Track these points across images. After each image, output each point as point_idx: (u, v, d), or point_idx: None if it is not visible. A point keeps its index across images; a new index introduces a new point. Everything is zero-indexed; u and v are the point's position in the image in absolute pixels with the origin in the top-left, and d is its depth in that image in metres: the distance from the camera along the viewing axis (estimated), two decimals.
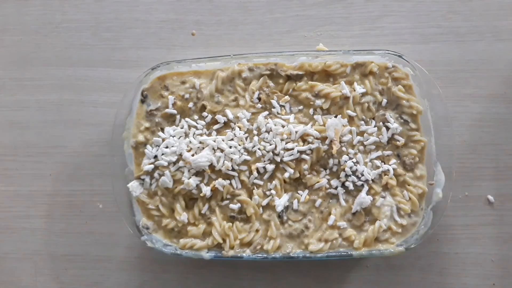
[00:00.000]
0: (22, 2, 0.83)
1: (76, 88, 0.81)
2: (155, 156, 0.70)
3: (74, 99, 0.81)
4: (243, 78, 0.71)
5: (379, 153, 0.69)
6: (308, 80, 0.70)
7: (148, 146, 0.71)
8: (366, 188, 0.68)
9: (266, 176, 0.69)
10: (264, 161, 0.69)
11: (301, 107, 0.71)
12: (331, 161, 0.68)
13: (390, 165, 0.68)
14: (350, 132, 0.68)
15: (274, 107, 0.70)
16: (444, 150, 0.68)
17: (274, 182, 0.69)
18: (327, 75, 0.71)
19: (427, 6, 0.79)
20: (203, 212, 0.69)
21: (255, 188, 0.69)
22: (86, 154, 0.80)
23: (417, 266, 0.75)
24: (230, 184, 0.69)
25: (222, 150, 0.69)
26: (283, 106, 0.70)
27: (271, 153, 0.68)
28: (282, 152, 0.68)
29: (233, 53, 0.72)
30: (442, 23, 0.78)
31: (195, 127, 0.71)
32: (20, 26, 0.83)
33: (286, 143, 0.68)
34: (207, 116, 0.70)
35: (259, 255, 0.68)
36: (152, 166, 0.70)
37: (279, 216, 0.69)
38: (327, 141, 0.68)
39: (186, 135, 0.71)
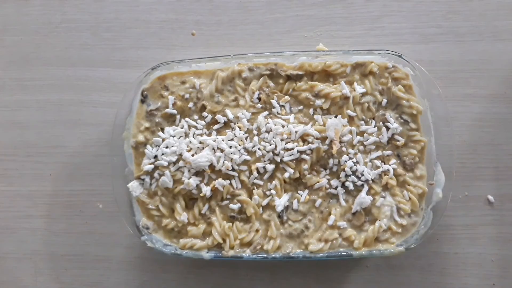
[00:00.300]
0: (22, 2, 0.83)
1: (76, 88, 0.81)
2: (155, 156, 0.70)
3: (74, 99, 0.81)
4: (243, 78, 0.71)
5: (379, 153, 0.69)
6: (308, 80, 0.70)
7: (148, 146, 0.71)
8: (366, 188, 0.68)
9: (266, 176, 0.69)
10: (264, 161, 0.69)
11: (301, 107, 0.71)
12: (331, 161, 0.68)
13: (390, 165, 0.68)
14: (350, 132, 0.68)
15: (274, 107, 0.70)
16: (444, 150, 0.68)
17: (274, 182, 0.69)
18: (327, 75, 0.71)
19: (427, 6, 0.79)
20: (203, 212, 0.69)
21: (255, 188, 0.69)
22: (86, 154, 0.80)
23: (417, 266, 0.75)
24: (230, 184, 0.69)
25: (222, 150, 0.69)
26: (283, 106, 0.70)
27: (271, 153, 0.68)
28: (282, 152, 0.68)
29: (233, 53, 0.72)
30: (442, 23, 0.78)
31: (195, 127, 0.70)
32: (20, 26, 0.83)
33: (286, 143, 0.68)
34: (207, 116, 0.70)
35: (259, 255, 0.68)
36: (152, 166, 0.70)
37: (279, 216, 0.69)
38: (327, 141, 0.68)
39: (186, 135, 0.71)
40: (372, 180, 0.68)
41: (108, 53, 0.81)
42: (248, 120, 0.70)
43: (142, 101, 0.72)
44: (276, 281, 0.76)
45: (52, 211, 0.80)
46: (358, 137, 0.68)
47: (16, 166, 0.81)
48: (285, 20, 0.80)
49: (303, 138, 0.68)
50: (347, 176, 0.68)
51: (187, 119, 0.71)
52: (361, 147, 0.69)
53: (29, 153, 0.81)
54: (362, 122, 0.69)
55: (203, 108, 0.71)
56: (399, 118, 0.69)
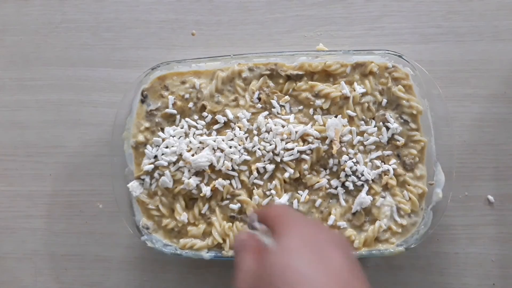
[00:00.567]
0: (22, 2, 0.83)
1: (76, 88, 0.81)
2: (155, 156, 0.70)
3: (74, 99, 0.81)
4: (243, 78, 0.71)
5: (379, 153, 0.69)
6: (308, 80, 0.70)
7: (148, 146, 0.71)
8: (366, 188, 0.68)
9: (266, 176, 0.69)
10: (264, 161, 0.69)
11: (301, 107, 0.71)
12: (331, 161, 0.68)
13: (390, 165, 0.68)
14: (350, 132, 0.68)
15: (274, 107, 0.70)
16: (444, 150, 0.68)
17: (274, 182, 0.69)
18: (327, 75, 0.71)
19: (427, 6, 0.79)
20: (203, 212, 0.69)
21: (255, 188, 0.69)
22: (86, 154, 0.80)
23: (417, 266, 0.75)
24: (230, 184, 0.69)
25: (222, 150, 0.69)
26: (283, 106, 0.70)
27: (271, 153, 0.68)
28: (282, 152, 0.68)
29: (233, 53, 0.72)
30: (442, 23, 0.78)
31: (195, 127, 0.71)
32: (20, 26, 0.83)
33: (286, 143, 0.68)
34: (207, 116, 0.70)
35: None
36: (152, 166, 0.70)
37: None
38: (327, 141, 0.68)
39: (186, 135, 0.71)
40: (372, 180, 0.68)
41: (108, 53, 0.81)
42: (248, 120, 0.70)
43: (142, 101, 0.72)
44: None
45: (52, 211, 0.80)
46: (358, 137, 0.68)
47: (16, 166, 0.81)
48: (285, 20, 0.80)
49: (303, 138, 0.68)
50: (347, 176, 0.68)
51: (187, 119, 0.71)
52: (361, 147, 0.69)
53: (29, 153, 0.81)
54: (362, 122, 0.69)
55: (203, 108, 0.71)
56: (399, 118, 0.69)
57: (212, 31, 0.81)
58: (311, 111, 0.70)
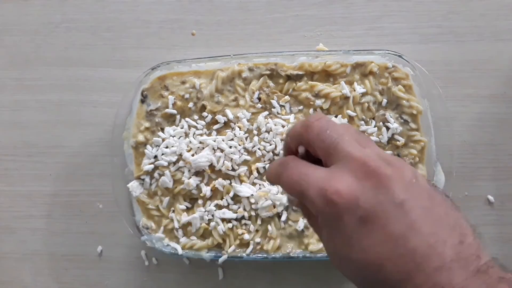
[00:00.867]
0: (22, 2, 0.83)
1: (76, 88, 0.81)
2: (155, 156, 0.70)
3: (74, 99, 0.81)
4: (243, 78, 0.71)
5: None
6: (308, 80, 0.70)
7: (148, 146, 0.71)
8: None
9: None
10: (264, 161, 0.69)
11: (301, 107, 0.71)
12: None
13: None
14: None
15: (274, 107, 0.70)
16: (444, 150, 0.68)
17: None
18: (327, 75, 0.71)
19: (427, 6, 0.79)
20: (203, 212, 0.69)
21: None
22: (86, 154, 0.80)
23: None
24: (230, 184, 0.69)
25: (222, 150, 0.69)
26: (283, 106, 0.70)
27: (271, 153, 0.68)
28: (282, 152, 0.68)
29: (233, 53, 0.72)
30: (442, 23, 0.78)
31: (195, 127, 0.70)
32: (20, 26, 0.83)
33: None
34: (207, 116, 0.70)
35: (259, 255, 0.68)
36: (152, 166, 0.70)
37: (279, 216, 0.69)
38: None
39: (186, 135, 0.71)
40: None
41: (108, 53, 0.81)
42: (248, 120, 0.70)
43: (142, 101, 0.72)
44: (276, 281, 0.76)
45: (52, 211, 0.80)
46: None
47: (16, 166, 0.81)
48: (285, 20, 0.80)
49: None
50: None
51: (187, 119, 0.71)
52: None
53: (29, 153, 0.81)
54: (362, 122, 0.69)
55: (203, 108, 0.71)
56: (399, 118, 0.69)
57: (212, 31, 0.81)
58: (311, 111, 0.70)
